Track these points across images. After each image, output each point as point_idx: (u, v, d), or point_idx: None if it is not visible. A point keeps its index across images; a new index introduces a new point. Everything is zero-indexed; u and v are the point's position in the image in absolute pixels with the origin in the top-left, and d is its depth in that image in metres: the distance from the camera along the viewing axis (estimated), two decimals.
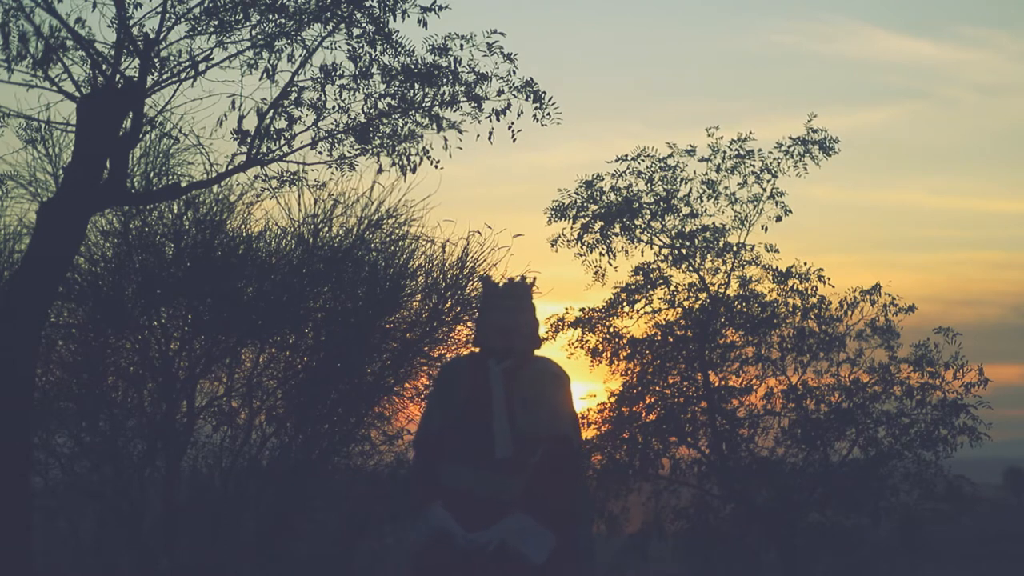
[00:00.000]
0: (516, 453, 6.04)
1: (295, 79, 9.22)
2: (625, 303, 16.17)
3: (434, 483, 6.08)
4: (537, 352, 6.42)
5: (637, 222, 15.96)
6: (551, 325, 16.30)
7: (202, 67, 8.96)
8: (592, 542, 6.49)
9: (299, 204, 10.71)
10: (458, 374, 6.27)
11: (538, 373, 6.24)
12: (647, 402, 16.05)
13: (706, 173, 16.01)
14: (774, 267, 16.01)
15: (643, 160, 16.00)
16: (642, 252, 16.18)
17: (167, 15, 8.79)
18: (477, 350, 6.39)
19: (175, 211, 10.41)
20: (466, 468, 6.05)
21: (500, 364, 6.20)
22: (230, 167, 9.30)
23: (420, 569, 6.00)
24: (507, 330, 6.27)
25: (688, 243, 15.97)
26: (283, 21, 9.06)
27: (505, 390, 6.12)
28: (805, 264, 16.03)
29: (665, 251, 16.08)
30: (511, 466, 6.03)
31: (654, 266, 16.11)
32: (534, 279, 6.50)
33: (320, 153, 9.51)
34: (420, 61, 9.30)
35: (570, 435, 6.20)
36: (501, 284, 6.49)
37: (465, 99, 9.45)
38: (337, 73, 9.28)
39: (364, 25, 9.17)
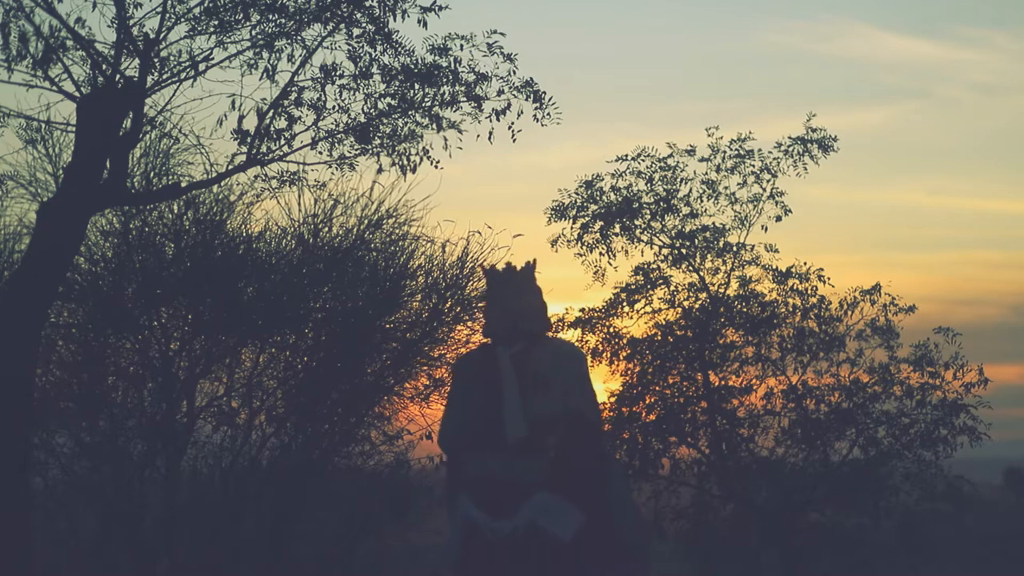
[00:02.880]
0: (533, 434, 6.06)
1: (295, 79, 9.23)
2: (625, 303, 16.16)
3: (460, 475, 6.11)
4: (549, 334, 6.44)
5: (637, 222, 15.96)
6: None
7: (202, 67, 8.98)
8: (636, 518, 6.40)
9: (299, 204, 10.72)
10: (469, 366, 6.28)
11: (550, 353, 6.26)
12: (647, 402, 16.03)
13: (706, 173, 16.02)
14: (774, 267, 16.01)
15: (643, 160, 16.00)
16: (642, 252, 16.18)
17: (167, 15, 8.81)
18: (488, 341, 6.41)
19: (175, 211, 10.42)
20: (487, 454, 6.07)
21: (510, 349, 6.22)
22: (230, 167, 9.31)
23: (459, 561, 6.03)
24: (512, 313, 6.28)
25: (688, 243, 15.96)
26: (283, 21, 9.06)
27: (517, 373, 6.14)
28: (805, 264, 16.03)
29: (665, 251, 16.07)
30: (530, 447, 6.05)
31: (654, 266, 16.10)
32: (534, 261, 6.52)
33: (320, 153, 9.53)
34: (420, 61, 9.32)
35: (584, 410, 6.20)
36: (500, 269, 6.50)
37: (465, 99, 9.46)
38: (337, 73, 9.29)
39: (364, 25, 9.18)
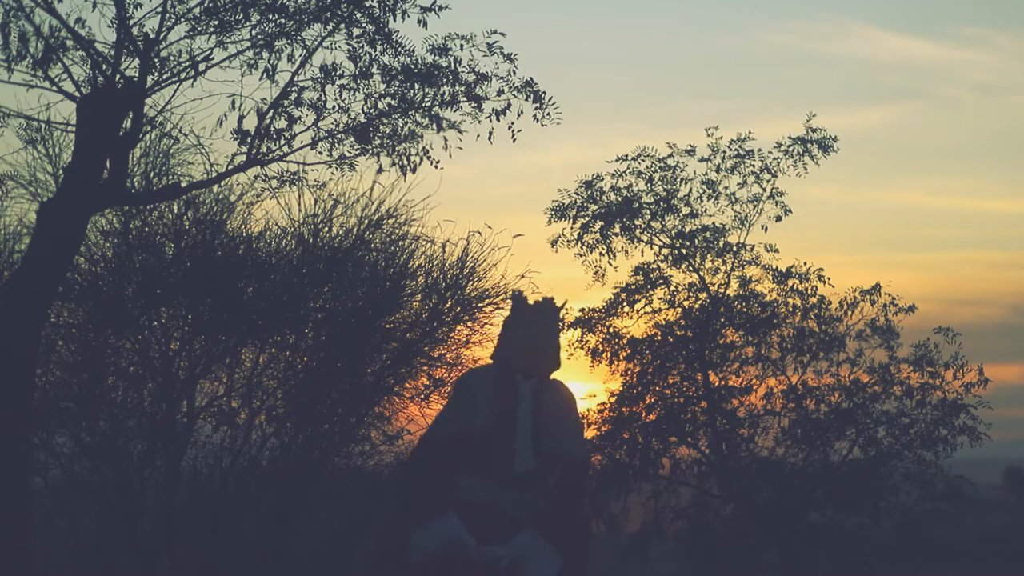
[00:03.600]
0: (536, 471, 6.05)
1: (295, 79, 9.23)
2: (625, 303, 16.17)
3: (448, 492, 6.05)
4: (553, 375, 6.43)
5: (637, 222, 15.97)
6: None
7: (202, 67, 8.97)
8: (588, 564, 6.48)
9: (299, 204, 10.72)
10: (484, 387, 6.23)
11: (558, 395, 6.26)
12: (647, 402, 16.05)
13: (706, 173, 16.03)
14: (774, 267, 16.03)
15: (643, 160, 16.02)
16: (642, 252, 16.19)
17: (167, 15, 8.80)
18: (491, 362, 6.38)
19: (175, 211, 10.41)
20: (486, 482, 6.04)
21: (527, 381, 6.20)
22: (230, 167, 9.31)
23: (430, 571, 5.98)
24: (535, 349, 6.25)
25: (688, 243, 15.97)
26: (283, 21, 9.06)
27: (532, 408, 6.13)
28: (805, 264, 16.05)
29: (665, 251, 16.08)
30: (530, 483, 6.03)
31: (654, 266, 16.11)
32: (565, 302, 6.50)
33: (320, 153, 9.52)
34: (420, 61, 9.31)
35: (586, 461, 6.25)
36: (533, 302, 6.47)
37: (465, 99, 9.46)
38: (337, 73, 9.28)
39: (364, 25, 9.18)
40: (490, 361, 6.47)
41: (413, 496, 6.09)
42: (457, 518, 5.96)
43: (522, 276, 10.66)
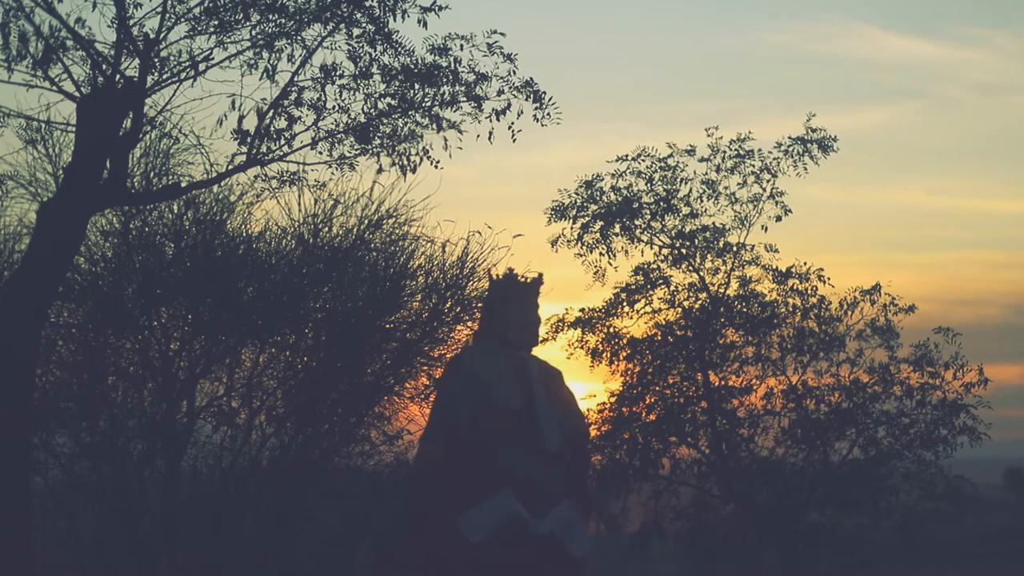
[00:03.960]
0: (561, 447, 6.17)
1: (295, 79, 9.23)
2: (625, 303, 16.17)
3: (491, 471, 6.11)
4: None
5: (637, 222, 15.97)
6: (551, 326, 16.29)
7: (202, 67, 8.97)
8: None
9: (299, 204, 10.71)
10: (497, 364, 6.27)
11: (552, 371, 6.36)
12: (647, 402, 16.05)
13: (706, 173, 16.03)
14: (774, 267, 16.03)
15: (643, 160, 16.02)
16: (642, 252, 16.19)
17: (167, 15, 8.80)
18: (472, 341, 6.44)
19: (175, 211, 10.41)
20: (527, 458, 6.13)
21: (530, 359, 6.31)
22: (230, 167, 9.31)
23: (485, 551, 6.03)
24: (534, 327, 6.37)
25: (688, 243, 15.97)
26: (283, 21, 9.06)
27: (543, 385, 6.24)
28: (805, 264, 16.05)
29: (665, 251, 16.08)
30: (557, 458, 6.13)
31: (654, 266, 16.11)
32: (541, 275, 6.58)
33: (320, 153, 9.52)
34: (420, 61, 9.31)
35: (588, 432, 6.37)
36: (528, 280, 6.53)
37: (465, 99, 9.45)
38: (337, 73, 9.28)
39: (364, 25, 9.18)
40: (471, 339, 6.55)
41: (456, 480, 6.11)
42: (511, 493, 6.05)
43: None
